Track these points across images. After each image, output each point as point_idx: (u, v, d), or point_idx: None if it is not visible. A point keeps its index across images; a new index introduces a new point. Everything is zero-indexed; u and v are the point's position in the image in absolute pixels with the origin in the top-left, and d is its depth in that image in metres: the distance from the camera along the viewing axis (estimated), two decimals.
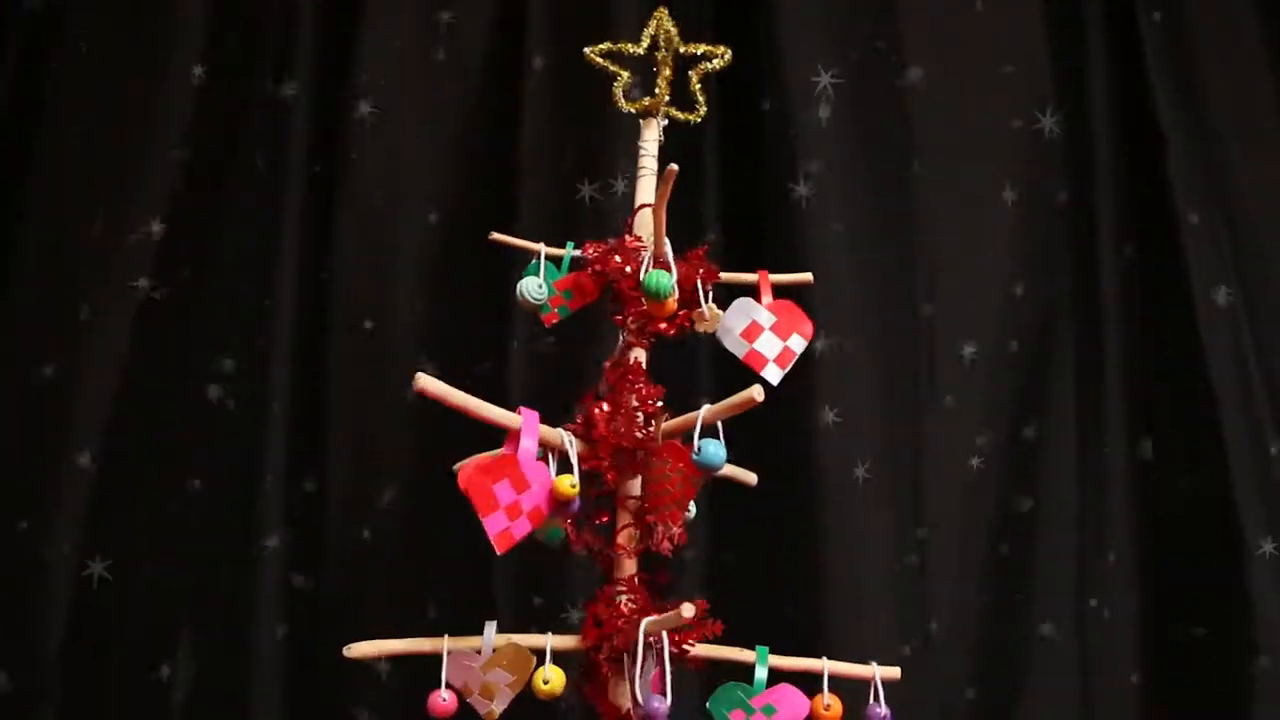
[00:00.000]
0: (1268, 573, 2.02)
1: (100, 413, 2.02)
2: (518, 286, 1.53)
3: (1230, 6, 2.26)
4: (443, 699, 1.36)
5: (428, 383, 1.31)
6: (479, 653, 1.37)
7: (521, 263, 1.59)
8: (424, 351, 2.09)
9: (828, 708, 1.42)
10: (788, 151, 2.09)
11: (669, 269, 1.46)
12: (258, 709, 1.99)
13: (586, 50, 1.57)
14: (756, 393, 1.33)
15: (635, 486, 1.44)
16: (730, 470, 1.59)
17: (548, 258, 1.56)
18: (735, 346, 1.52)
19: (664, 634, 1.34)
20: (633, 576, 1.43)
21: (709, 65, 1.57)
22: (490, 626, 1.38)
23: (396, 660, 1.92)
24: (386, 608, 2.03)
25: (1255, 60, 2.24)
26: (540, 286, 1.53)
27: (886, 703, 1.46)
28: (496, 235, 1.61)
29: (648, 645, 1.35)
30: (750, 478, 1.63)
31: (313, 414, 2.08)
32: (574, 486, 1.34)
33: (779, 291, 1.57)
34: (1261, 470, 2.07)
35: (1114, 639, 2.10)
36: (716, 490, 1.89)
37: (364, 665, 1.97)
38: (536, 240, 1.58)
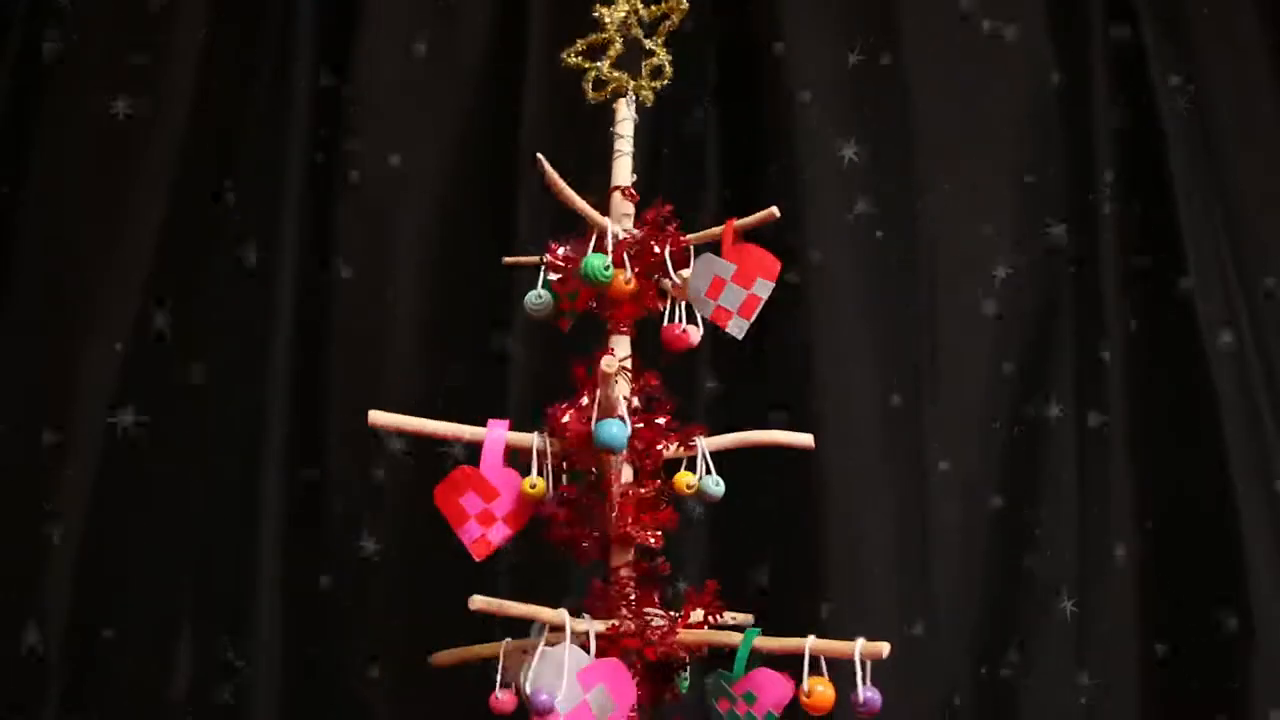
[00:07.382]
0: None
1: None
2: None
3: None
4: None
5: (379, 417, 1.45)
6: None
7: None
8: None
9: (809, 695, 1.33)
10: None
11: (606, 250, 1.46)
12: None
13: (563, 55, 1.58)
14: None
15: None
16: (787, 436, 1.61)
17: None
18: (701, 307, 1.51)
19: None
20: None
21: (670, 23, 1.58)
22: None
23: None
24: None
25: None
26: (539, 296, 1.54)
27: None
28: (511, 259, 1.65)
29: None
30: (807, 440, 1.62)
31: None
32: (534, 487, 1.42)
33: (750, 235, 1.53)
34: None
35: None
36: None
37: None
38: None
